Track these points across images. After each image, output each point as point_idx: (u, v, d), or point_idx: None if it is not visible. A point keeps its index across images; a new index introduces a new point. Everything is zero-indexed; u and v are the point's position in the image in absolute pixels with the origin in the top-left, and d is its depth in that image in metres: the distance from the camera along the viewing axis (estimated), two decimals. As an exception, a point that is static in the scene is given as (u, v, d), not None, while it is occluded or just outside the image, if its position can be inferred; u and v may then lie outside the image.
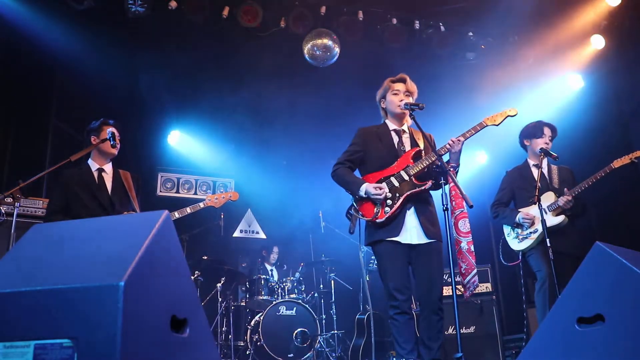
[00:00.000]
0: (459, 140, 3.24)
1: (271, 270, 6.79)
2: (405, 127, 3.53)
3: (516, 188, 4.40)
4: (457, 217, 3.34)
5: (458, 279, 3.45)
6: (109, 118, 3.93)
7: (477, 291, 5.48)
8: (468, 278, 3.37)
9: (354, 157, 3.48)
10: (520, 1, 5.69)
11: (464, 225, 3.35)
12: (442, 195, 3.02)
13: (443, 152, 3.25)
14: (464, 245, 3.34)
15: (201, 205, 3.96)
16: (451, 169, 3.21)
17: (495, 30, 6.31)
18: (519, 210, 4.27)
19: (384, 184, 3.27)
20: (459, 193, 3.01)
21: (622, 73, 6.00)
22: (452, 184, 3.14)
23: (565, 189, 4.10)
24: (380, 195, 3.21)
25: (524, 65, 6.43)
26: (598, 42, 6.02)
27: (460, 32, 6.38)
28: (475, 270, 3.38)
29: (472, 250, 3.36)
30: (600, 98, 6.11)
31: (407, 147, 3.45)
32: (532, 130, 4.33)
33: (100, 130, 3.83)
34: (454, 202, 3.34)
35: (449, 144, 3.24)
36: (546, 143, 4.23)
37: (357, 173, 3.52)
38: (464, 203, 3.35)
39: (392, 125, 3.52)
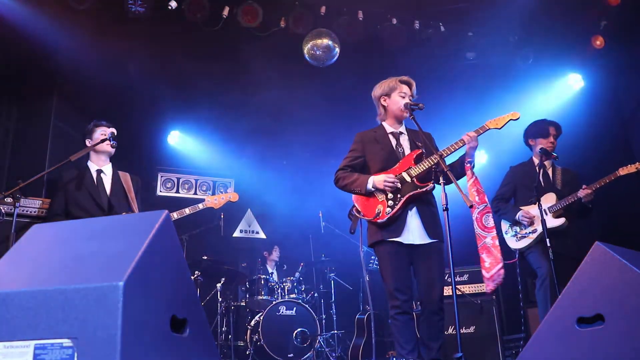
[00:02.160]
0: (474, 135, 3.23)
1: (272, 272, 6.79)
2: (402, 129, 3.53)
3: (519, 185, 4.39)
4: (482, 212, 3.31)
5: (485, 273, 3.37)
6: (108, 118, 3.94)
7: (477, 291, 5.48)
8: (492, 271, 3.30)
9: (355, 162, 3.47)
10: (520, 1, 5.68)
11: (488, 220, 3.31)
12: (442, 195, 3.03)
13: (455, 148, 3.24)
14: (488, 240, 3.29)
15: (200, 206, 3.96)
16: (467, 164, 3.22)
17: (495, 30, 6.31)
18: (520, 208, 4.27)
19: (391, 174, 3.27)
20: (460, 192, 3.00)
21: (622, 73, 6.00)
22: (472, 180, 3.15)
23: (583, 186, 4.09)
24: (391, 183, 3.21)
25: (524, 65, 6.43)
26: (598, 42, 6.02)
27: (460, 32, 6.37)
28: (501, 264, 3.33)
29: (497, 244, 3.32)
30: (600, 98, 6.12)
31: (406, 148, 3.44)
32: (537, 130, 4.33)
33: (93, 132, 3.86)
34: (477, 197, 3.31)
35: (466, 140, 3.23)
36: (551, 142, 4.24)
37: None
38: (486, 198, 3.33)
39: (389, 127, 3.51)
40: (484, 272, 3.26)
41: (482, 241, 3.28)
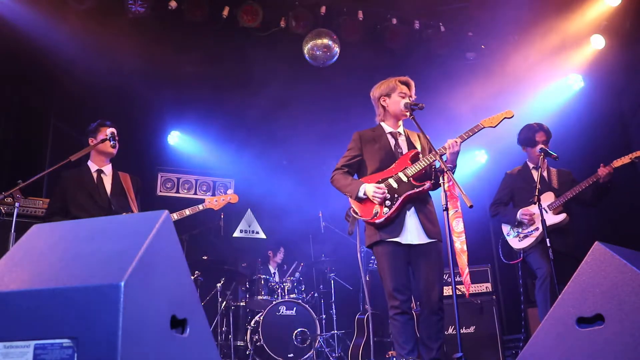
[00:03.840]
0: (456, 142, 3.24)
1: (274, 272, 6.78)
2: (400, 129, 3.54)
3: (516, 189, 4.43)
4: (452, 216, 3.34)
5: (458, 278, 3.43)
6: (108, 118, 3.93)
7: (477, 291, 5.48)
8: (462, 278, 3.37)
9: (352, 161, 3.48)
10: (521, 1, 5.68)
11: (458, 224, 3.34)
12: (442, 195, 3.03)
13: (440, 153, 3.25)
14: (457, 245, 3.33)
15: (200, 207, 3.96)
16: (447, 169, 3.22)
17: (495, 30, 6.30)
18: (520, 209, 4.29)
19: (382, 185, 3.28)
20: (460, 193, 3.00)
21: (622, 73, 5.99)
22: (450, 183, 3.15)
23: (601, 165, 4.06)
24: (380, 195, 3.22)
25: (524, 65, 6.42)
26: (598, 42, 6.01)
27: (460, 32, 6.37)
28: (467, 271, 3.37)
29: (465, 249, 3.35)
30: (600, 98, 6.11)
31: (404, 149, 3.45)
32: (524, 139, 4.37)
33: (98, 132, 3.84)
34: (448, 203, 3.33)
35: (448, 146, 3.24)
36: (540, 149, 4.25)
37: (355, 177, 3.53)
38: (459, 203, 3.35)
39: (387, 127, 3.52)
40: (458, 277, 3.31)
41: (454, 246, 3.31)
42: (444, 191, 3.05)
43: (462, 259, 3.29)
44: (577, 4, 5.92)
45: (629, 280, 1.81)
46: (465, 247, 3.31)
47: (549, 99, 6.48)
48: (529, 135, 4.33)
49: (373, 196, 3.24)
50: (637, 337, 1.73)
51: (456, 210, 3.30)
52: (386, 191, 3.24)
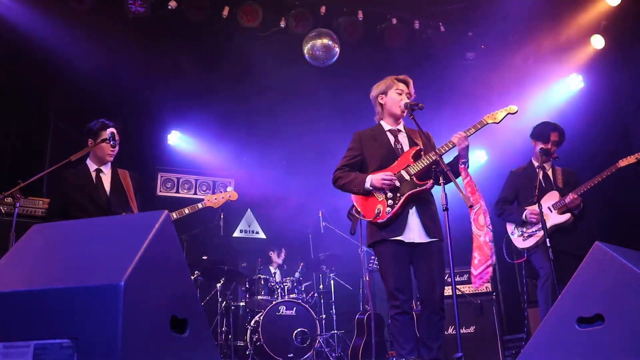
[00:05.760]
0: (463, 136, 3.23)
1: (274, 272, 6.78)
2: (400, 127, 3.52)
3: (520, 187, 4.42)
4: (477, 212, 3.28)
5: (473, 271, 3.35)
6: (108, 118, 3.91)
7: (477, 291, 5.48)
8: (480, 269, 3.29)
9: (353, 161, 3.47)
10: (520, 1, 5.68)
11: (483, 219, 3.29)
12: (442, 195, 3.02)
13: (446, 149, 3.24)
14: (482, 238, 3.28)
15: (199, 205, 3.95)
16: (462, 165, 3.22)
17: (495, 30, 6.31)
18: (525, 208, 4.28)
19: (389, 172, 3.27)
20: (459, 192, 2.99)
21: (622, 73, 6.00)
22: (468, 179, 3.14)
23: (570, 194, 4.12)
24: (389, 180, 3.20)
25: (524, 65, 6.42)
26: (598, 42, 6.01)
27: (460, 32, 6.37)
28: (490, 262, 3.31)
29: (488, 241, 3.29)
30: (600, 98, 6.11)
31: (405, 145, 3.43)
32: (539, 132, 4.35)
33: (98, 136, 3.79)
34: (471, 198, 3.29)
35: (456, 141, 3.23)
36: (549, 148, 4.24)
37: None
38: (480, 198, 3.31)
39: (387, 125, 3.51)
40: (472, 269, 3.25)
41: (477, 240, 3.27)
42: (444, 191, 3.04)
43: (485, 251, 3.24)
44: (577, 4, 5.92)
45: (629, 280, 1.81)
46: (487, 239, 3.26)
47: (548, 99, 6.47)
48: (544, 131, 4.31)
49: (383, 183, 3.22)
50: (637, 337, 1.73)
51: (479, 206, 3.25)
52: (395, 178, 3.23)
